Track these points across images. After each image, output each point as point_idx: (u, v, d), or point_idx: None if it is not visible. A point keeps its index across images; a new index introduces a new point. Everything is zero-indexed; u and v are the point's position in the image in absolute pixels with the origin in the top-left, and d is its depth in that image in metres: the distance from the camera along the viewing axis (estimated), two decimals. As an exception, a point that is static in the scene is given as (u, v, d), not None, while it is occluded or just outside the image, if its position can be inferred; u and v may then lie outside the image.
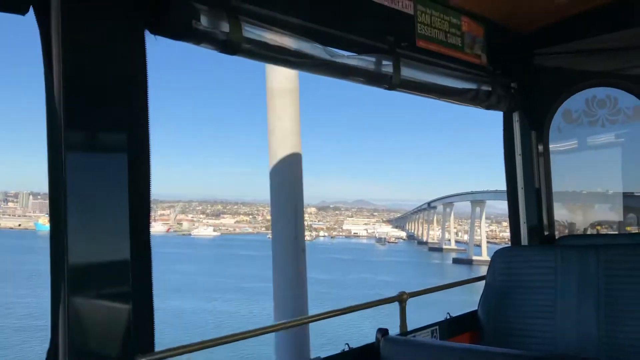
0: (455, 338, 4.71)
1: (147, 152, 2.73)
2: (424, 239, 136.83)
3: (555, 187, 5.64)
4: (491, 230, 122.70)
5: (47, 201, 2.54)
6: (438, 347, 3.74)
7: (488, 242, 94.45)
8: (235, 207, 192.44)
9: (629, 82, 5.17)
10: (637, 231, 6.31)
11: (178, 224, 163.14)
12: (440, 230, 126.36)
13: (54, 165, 2.46)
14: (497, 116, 5.65)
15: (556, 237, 5.61)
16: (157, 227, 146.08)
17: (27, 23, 2.48)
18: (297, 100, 6.12)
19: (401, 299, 4.30)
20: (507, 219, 5.88)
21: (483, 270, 5.27)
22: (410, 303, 4.39)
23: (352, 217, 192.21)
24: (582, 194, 6.40)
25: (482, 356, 3.45)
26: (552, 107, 5.54)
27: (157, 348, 2.80)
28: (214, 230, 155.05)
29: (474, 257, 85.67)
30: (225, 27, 2.99)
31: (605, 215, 6.44)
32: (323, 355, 3.59)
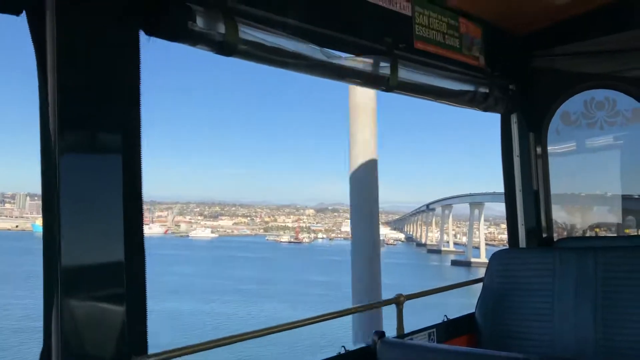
0: (453, 341, 4.69)
1: (138, 153, 2.73)
2: (423, 241, 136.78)
3: (553, 190, 5.63)
4: (490, 233, 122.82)
5: (44, 203, 2.53)
6: (435, 350, 3.72)
7: (486, 244, 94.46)
8: (233, 208, 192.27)
9: (627, 84, 5.16)
10: (635, 234, 6.30)
11: (176, 225, 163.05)
12: (439, 232, 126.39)
13: (47, 166, 2.45)
14: (496, 118, 5.65)
15: (554, 239, 5.59)
16: (154, 229, 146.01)
17: (20, 24, 2.47)
18: (375, 115, 7.53)
19: (398, 301, 4.29)
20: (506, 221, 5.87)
21: (482, 273, 5.26)
22: (409, 306, 4.37)
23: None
24: (580, 196, 6.39)
25: (480, 359, 3.43)
26: (551, 109, 5.53)
27: (155, 350, 2.80)
28: (212, 232, 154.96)
29: (473, 259, 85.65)
30: (222, 28, 2.97)
31: (603, 217, 6.44)
32: (322, 357, 3.58)
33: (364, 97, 7.49)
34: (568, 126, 5.62)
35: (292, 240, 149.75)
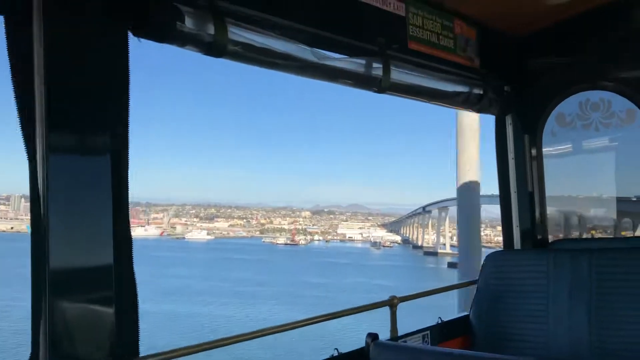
0: (447, 343, 4.67)
1: (126, 154, 2.70)
2: (419, 243, 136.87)
3: (548, 192, 5.62)
4: (486, 235, 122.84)
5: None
6: (429, 352, 3.70)
7: (483, 246, 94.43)
8: (229, 210, 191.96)
9: (622, 85, 5.15)
10: (631, 235, 6.29)
11: (172, 227, 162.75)
12: (435, 234, 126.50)
13: (34, 168, 2.42)
14: (493, 120, 5.63)
15: (549, 241, 5.58)
16: (150, 231, 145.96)
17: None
18: (479, 134, 9.22)
19: (392, 304, 4.26)
20: (501, 222, 5.85)
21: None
22: (409, 308, 4.36)
23: (346, 221, 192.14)
24: (575, 198, 6.38)
25: None
26: (545, 111, 5.51)
27: (152, 352, 2.78)
28: (208, 234, 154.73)
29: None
30: (211, 29, 2.95)
31: (599, 219, 6.42)
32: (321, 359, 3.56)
33: (470, 118, 9.15)
34: (563, 127, 5.61)
35: (288, 242, 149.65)
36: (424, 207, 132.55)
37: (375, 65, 3.98)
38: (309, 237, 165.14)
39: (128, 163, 2.72)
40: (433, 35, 4.48)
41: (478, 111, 5.11)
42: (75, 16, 2.52)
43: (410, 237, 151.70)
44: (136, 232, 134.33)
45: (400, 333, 4.28)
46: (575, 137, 5.73)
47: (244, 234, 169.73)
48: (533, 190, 5.55)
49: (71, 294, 2.45)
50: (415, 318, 4.45)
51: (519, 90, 5.45)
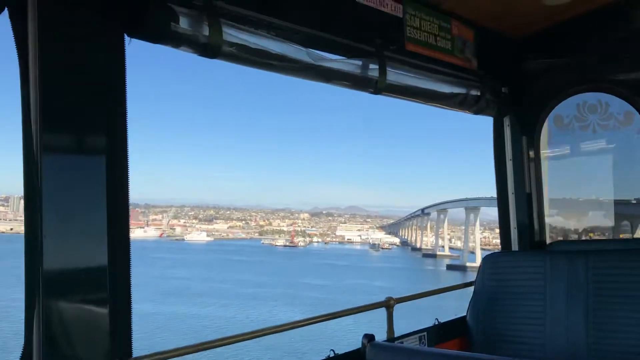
0: (444, 344, 4.66)
1: (125, 155, 2.70)
2: (418, 245, 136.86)
3: (545, 193, 5.61)
4: (484, 237, 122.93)
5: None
6: (426, 353, 3.69)
7: (481, 248, 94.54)
8: (228, 212, 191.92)
9: (620, 87, 5.15)
10: (629, 237, 6.28)
11: (171, 229, 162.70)
12: (434, 236, 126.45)
13: (29, 168, 2.42)
14: (490, 122, 5.63)
15: (547, 243, 5.57)
16: (150, 232, 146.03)
17: (2, 22, 2.45)
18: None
19: (388, 305, 4.25)
20: (499, 224, 5.85)
21: (478, 277, 5.23)
22: (410, 309, 4.35)
23: (345, 223, 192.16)
24: (572, 200, 6.36)
25: None
26: (543, 112, 5.51)
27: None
28: (208, 236, 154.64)
29: (468, 264, 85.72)
30: (206, 30, 2.94)
31: (597, 221, 6.40)
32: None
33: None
34: (561, 129, 5.61)
35: (287, 244, 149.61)
36: (422, 210, 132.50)
37: (371, 66, 3.97)
38: (307, 239, 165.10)
39: (127, 164, 2.71)
40: (430, 37, 4.48)
41: (475, 112, 5.10)
42: (71, 16, 2.52)
43: (409, 239, 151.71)
44: (135, 233, 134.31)
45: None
46: (572, 139, 5.73)
47: (243, 235, 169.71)
48: (531, 192, 5.54)
49: (65, 294, 2.45)
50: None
51: (516, 92, 5.45)
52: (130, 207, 2.81)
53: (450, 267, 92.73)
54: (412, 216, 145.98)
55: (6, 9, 2.39)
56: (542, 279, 4.70)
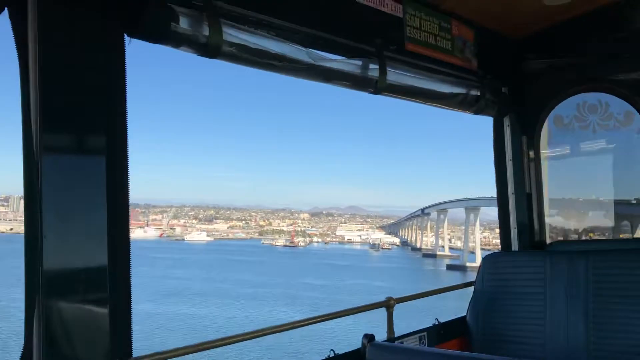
0: (444, 344, 4.66)
1: (125, 155, 2.69)
2: (418, 245, 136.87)
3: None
4: (484, 237, 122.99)
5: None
6: (426, 353, 3.69)
7: (481, 248, 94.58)
8: (228, 212, 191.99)
9: (620, 87, 5.15)
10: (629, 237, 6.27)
11: (171, 229, 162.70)
12: (434, 236, 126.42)
13: (29, 168, 2.41)
14: (491, 122, 5.62)
15: (547, 243, 5.57)
16: (150, 232, 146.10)
17: (2, 22, 2.45)
18: None
19: (388, 305, 4.25)
20: (499, 224, 5.84)
21: (478, 277, 5.23)
22: (407, 309, 4.35)
23: (345, 223, 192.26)
24: (572, 200, 6.36)
25: None
26: (543, 112, 5.51)
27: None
28: (208, 236, 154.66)
29: (468, 264, 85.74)
30: (205, 30, 2.94)
31: (597, 222, 6.39)
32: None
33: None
34: (561, 129, 5.61)
35: (287, 244, 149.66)
36: (422, 210, 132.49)
37: (371, 66, 3.97)
38: (307, 239, 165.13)
39: (127, 164, 2.70)
40: (430, 37, 4.47)
41: (475, 112, 5.09)
42: (70, 16, 2.51)
43: (409, 239, 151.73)
44: (135, 233, 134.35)
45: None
46: (572, 139, 5.73)
47: (243, 235, 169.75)
48: (531, 192, 5.54)
49: (65, 294, 2.44)
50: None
51: (516, 92, 5.44)
52: (130, 207, 2.80)
53: (450, 267, 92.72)
54: (412, 216, 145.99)
55: (6, 8, 2.39)
56: (542, 279, 4.70)
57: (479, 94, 4.97)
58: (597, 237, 6.20)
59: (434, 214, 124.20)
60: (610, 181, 5.90)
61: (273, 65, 3.39)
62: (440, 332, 4.66)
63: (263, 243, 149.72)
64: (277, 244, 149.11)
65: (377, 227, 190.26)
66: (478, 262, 5.41)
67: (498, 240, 6.01)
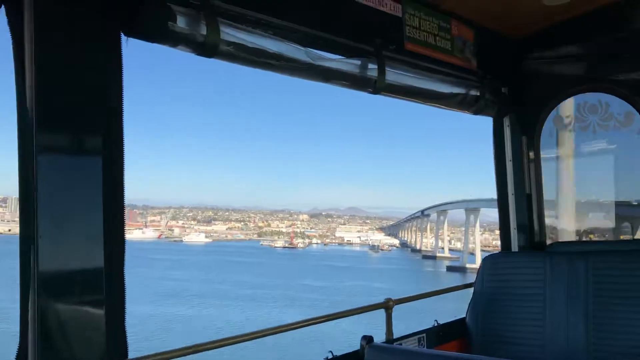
0: (443, 346, 4.64)
1: (121, 156, 2.68)
2: (418, 246, 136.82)
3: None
4: (484, 238, 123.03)
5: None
6: (424, 355, 3.66)
7: (481, 250, 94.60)
8: (227, 213, 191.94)
9: (620, 87, 5.13)
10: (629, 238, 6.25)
11: (169, 230, 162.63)
12: (434, 238, 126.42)
13: (25, 168, 2.40)
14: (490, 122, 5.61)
15: (547, 244, 5.55)
16: (148, 233, 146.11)
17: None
18: None
19: (387, 306, 4.23)
20: (499, 225, 5.82)
21: (478, 279, 5.21)
22: (404, 311, 4.33)
23: (344, 224, 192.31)
24: (571, 201, 6.34)
25: None
26: (543, 112, 5.49)
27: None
28: (206, 237, 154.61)
29: (468, 265, 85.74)
30: (203, 29, 2.92)
31: (597, 223, 6.37)
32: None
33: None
34: (561, 130, 5.59)
35: (286, 245, 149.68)
36: (422, 211, 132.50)
37: (370, 66, 3.95)
38: (307, 241, 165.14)
39: (123, 164, 2.69)
40: (430, 37, 4.45)
41: (475, 113, 5.07)
42: (67, 15, 2.49)
43: (409, 240, 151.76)
44: (134, 234, 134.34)
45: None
46: (571, 140, 5.71)
47: (242, 236, 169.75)
48: (531, 193, 5.52)
49: (60, 295, 2.43)
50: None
51: (516, 92, 5.43)
52: (129, 208, 2.79)
53: (450, 269, 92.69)
54: (412, 217, 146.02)
55: (2, 7, 2.37)
56: (541, 280, 4.68)
57: (478, 94, 4.95)
58: (597, 239, 6.19)
59: (433, 216, 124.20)
60: (611, 182, 5.88)
61: (271, 65, 3.37)
62: (440, 334, 4.64)
63: (262, 244, 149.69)
64: (276, 245, 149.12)
65: (377, 229, 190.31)
66: (478, 263, 5.39)
67: (498, 242, 5.99)
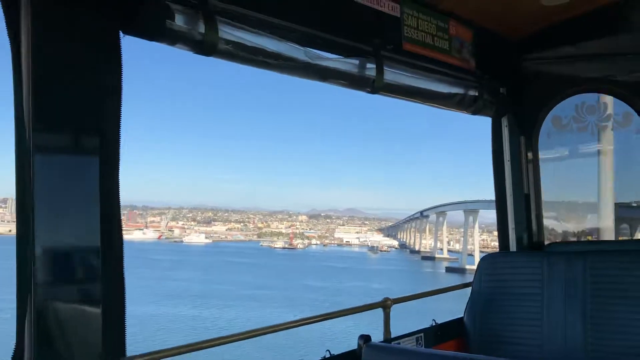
0: (441, 345, 4.64)
1: (117, 155, 2.68)
2: (416, 247, 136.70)
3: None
4: (482, 240, 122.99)
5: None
6: (422, 354, 3.66)
7: (480, 251, 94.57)
8: (226, 214, 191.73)
9: (618, 88, 5.15)
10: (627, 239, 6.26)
11: (169, 230, 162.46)
12: (433, 239, 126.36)
13: (21, 167, 2.40)
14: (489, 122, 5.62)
15: (545, 244, 5.56)
16: (148, 234, 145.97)
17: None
18: None
19: (385, 305, 4.23)
20: (498, 226, 5.82)
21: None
22: (401, 311, 4.33)
23: (343, 225, 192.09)
24: (569, 202, 6.35)
25: None
26: (542, 113, 5.50)
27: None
28: (206, 238, 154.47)
29: (467, 266, 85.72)
30: (201, 27, 2.93)
31: (596, 224, 6.38)
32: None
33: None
34: (559, 130, 5.60)
35: (286, 246, 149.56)
36: (421, 212, 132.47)
37: (368, 65, 3.96)
38: (306, 241, 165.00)
39: (119, 164, 2.69)
40: (428, 37, 4.46)
41: (473, 113, 5.08)
42: (65, 12, 2.49)
43: (408, 241, 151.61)
44: (134, 235, 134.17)
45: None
46: (570, 140, 5.72)
47: (242, 237, 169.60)
48: (529, 193, 5.53)
49: (57, 294, 2.43)
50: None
51: (514, 92, 5.44)
52: (129, 209, 2.80)
53: (449, 270, 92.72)
54: (411, 219, 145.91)
55: (0, 5, 2.37)
56: (539, 279, 4.69)
57: (477, 94, 4.96)
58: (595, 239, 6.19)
59: (432, 217, 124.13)
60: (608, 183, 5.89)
61: (269, 64, 3.38)
62: (438, 333, 4.65)
63: (262, 245, 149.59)
64: (275, 246, 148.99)
65: (376, 230, 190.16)
66: (477, 264, 5.39)
67: (496, 243, 5.99)
